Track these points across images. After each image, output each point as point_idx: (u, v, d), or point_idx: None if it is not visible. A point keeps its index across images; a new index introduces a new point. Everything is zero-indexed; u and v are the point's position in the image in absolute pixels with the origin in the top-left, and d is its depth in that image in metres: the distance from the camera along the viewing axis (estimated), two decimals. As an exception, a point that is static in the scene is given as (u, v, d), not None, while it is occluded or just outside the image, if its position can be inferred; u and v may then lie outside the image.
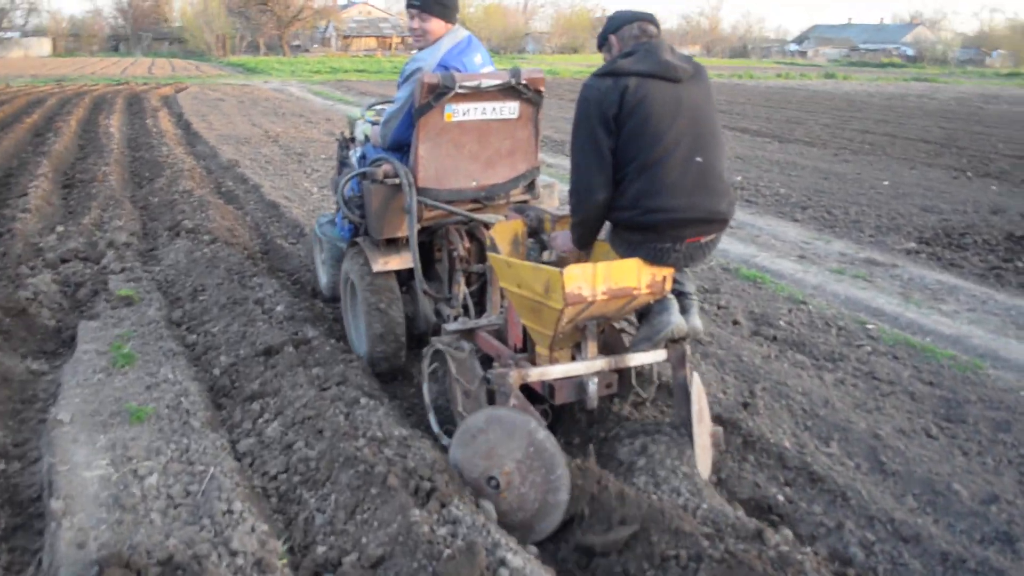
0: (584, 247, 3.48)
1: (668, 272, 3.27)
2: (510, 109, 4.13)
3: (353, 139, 5.22)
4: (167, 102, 21.57)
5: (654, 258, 3.20)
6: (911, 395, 4.44)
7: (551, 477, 3.00)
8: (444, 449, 3.47)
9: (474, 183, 4.23)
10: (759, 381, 4.47)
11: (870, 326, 5.54)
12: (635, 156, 3.15)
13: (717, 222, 3.27)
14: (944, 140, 15.84)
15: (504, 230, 3.74)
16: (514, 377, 3.21)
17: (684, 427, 3.46)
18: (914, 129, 17.78)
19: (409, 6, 4.25)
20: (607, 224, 3.38)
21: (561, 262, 3.47)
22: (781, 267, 7.06)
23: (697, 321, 3.60)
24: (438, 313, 4.40)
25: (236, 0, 74.29)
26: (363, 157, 4.69)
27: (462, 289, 4.37)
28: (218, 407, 4.20)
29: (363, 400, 3.81)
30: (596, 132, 3.15)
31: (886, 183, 10.92)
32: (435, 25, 4.21)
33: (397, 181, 4.07)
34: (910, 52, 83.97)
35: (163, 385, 4.19)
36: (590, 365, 3.38)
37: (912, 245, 7.80)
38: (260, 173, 10.60)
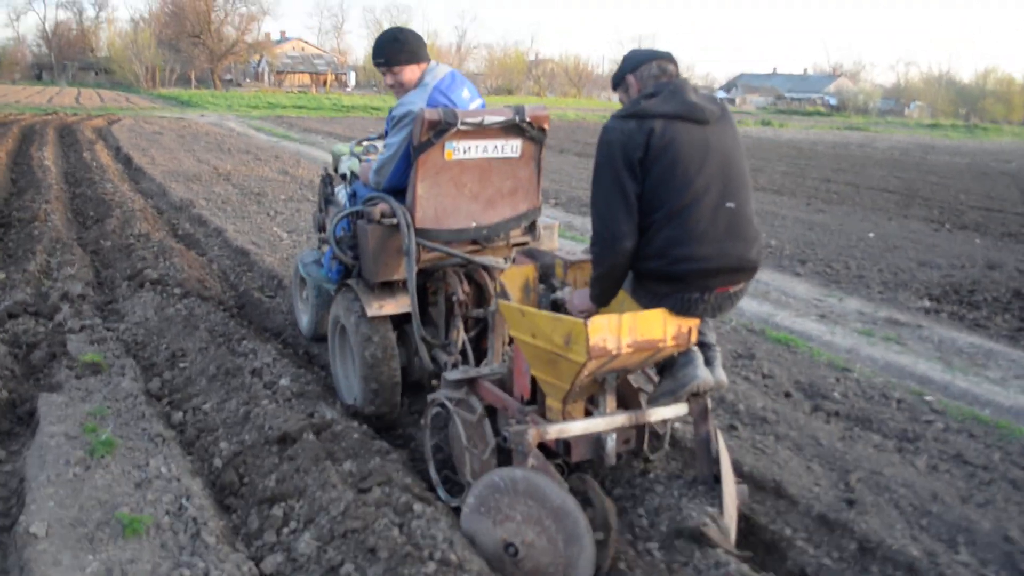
0: (604, 304, 3.25)
1: (694, 323, 3.11)
2: (512, 147, 3.97)
3: (339, 175, 5.06)
4: (102, 134, 20.41)
5: (681, 309, 3.04)
6: (1013, 483, 3.94)
7: (574, 545, 2.81)
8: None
9: (474, 223, 4.04)
10: (850, 469, 3.92)
11: (928, 397, 5.07)
12: (663, 203, 2.98)
13: (747, 270, 3.11)
14: (905, 191, 15.84)
15: (515, 276, 3.56)
16: (533, 435, 3.04)
17: (705, 484, 3.36)
18: (872, 179, 17.81)
19: (377, 65, 4.20)
20: (631, 279, 3.20)
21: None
22: (806, 328, 6.59)
23: (722, 374, 3.40)
24: (434, 360, 4.15)
25: (167, 32, 72.64)
26: (354, 195, 4.48)
27: (461, 335, 4.13)
28: (225, 508, 3.46)
29: (417, 507, 3.13)
30: (621, 177, 2.98)
31: (871, 235, 10.66)
32: (409, 73, 4.12)
33: (394, 221, 3.87)
34: (833, 102, 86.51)
35: (156, 482, 3.44)
36: (610, 421, 3.22)
37: (926, 303, 7.45)
38: (219, 215, 9.77)
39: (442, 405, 3.60)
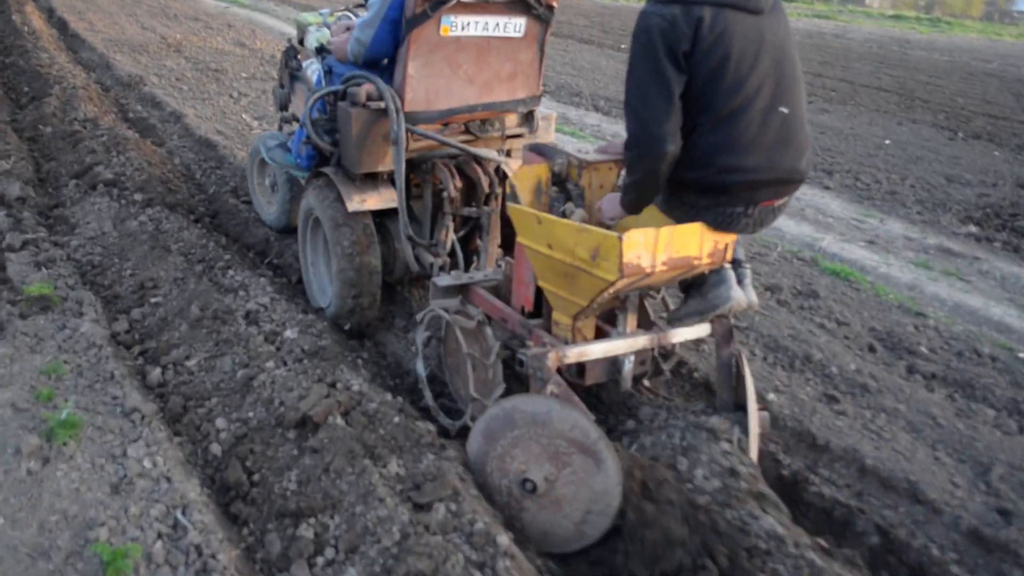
0: (637, 212, 2.89)
1: (731, 239, 2.84)
2: (516, 26, 3.66)
3: (305, 47, 4.60)
4: (31, -7, 18.42)
5: (721, 224, 2.76)
6: None
7: (597, 510, 2.54)
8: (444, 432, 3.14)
9: (467, 106, 3.73)
10: (984, 462, 3.26)
11: (1021, 354, 4.43)
12: (709, 105, 2.62)
13: (795, 182, 2.80)
14: (900, 90, 15.05)
15: (526, 176, 3.12)
16: (552, 359, 2.77)
17: (727, 410, 3.10)
18: (862, 75, 16.95)
19: None
20: (662, 187, 2.82)
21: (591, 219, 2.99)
22: (857, 257, 5.87)
23: (753, 294, 3.12)
24: (419, 260, 3.81)
25: None
26: (329, 72, 4.05)
27: (450, 236, 3.82)
28: (232, 518, 2.66)
29: (501, 539, 2.36)
30: (663, 69, 2.58)
31: (888, 142, 9.90)
32: None
33: (381, 105, 3.52)
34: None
35: (139, 483, 2.63)
36: (631, 343, 2.99)
37: (972, 229, 6.78)
38: (176, 95, 8.56)
39: (436, 317, 3.31)
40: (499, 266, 3.66)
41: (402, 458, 2.70)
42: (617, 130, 9.43)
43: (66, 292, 3.88)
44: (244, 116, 7.89)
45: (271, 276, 4.41)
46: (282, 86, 4.97)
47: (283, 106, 4.95)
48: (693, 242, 2.73)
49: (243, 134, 7.25)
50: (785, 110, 2.68)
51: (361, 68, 3.72)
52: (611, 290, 2.67)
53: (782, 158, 2.70)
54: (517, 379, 3.16)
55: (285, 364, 3.24)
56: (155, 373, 3.38)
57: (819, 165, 8.41)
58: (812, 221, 6.64)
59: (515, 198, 3.09)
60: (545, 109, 4.21)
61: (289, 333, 3.45)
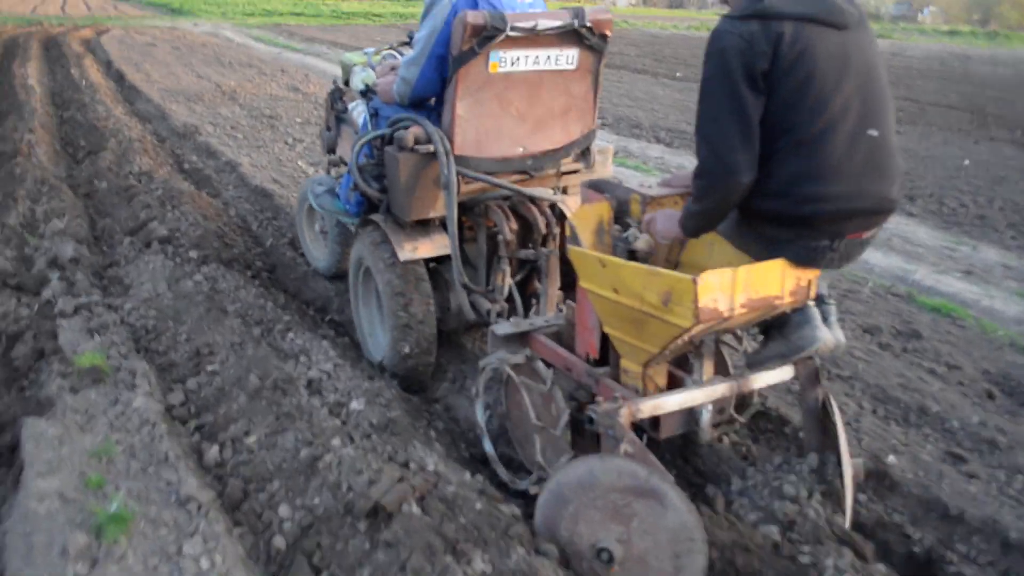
0: (696, 236, 2.68)
1: (815, 275, 2.62)
2: (568, 58, 3.47)
3: (350, 88, 4.53)
4: (90, 47, 18.72)
5: (804, 259, 2.54)
6: None
7: (684, 550, 2.32)
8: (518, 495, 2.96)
9: (520, 149, 3.56)
10: None
11: None
12: (790, 128, 2.41)
13: (885, 212, 2.55)
14: (969, 107, 14.47)
15: (586, 216, 2.92)
16: (625, 415, 2.56)
17: (816, 457, 2.87)
18: (928, 93, 16.38)
19: None
20: (733, 219, 2.63)
21: (647, 253, 2.81)
22: (956, 290, 5.45)
23: (840, 333, 2.87)
24: (475, 307, 3.70)
25: (153, -66, 69.15)
26: (375, 114, 3.88)
27: (507, 280, 3.66)
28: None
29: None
30: (740, 92, 2.37)
31: (967, 162, 9.40)
32: None
33: (430, 148, 3.37)
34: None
35: (198, 590, 2.33)
36: (709, 391, 2.76)
37: (1076, 255, 6.29)
38: (230, 143, 8.48)
39: (498, 371, 3.11)
40: (560, 310, 3.46)
41: (487, 552, 2.38)
42: (681, 162, 9.10)
43: (119, 361, 3.66)
44: (300, 163, 7.74)
45: (332, 336, 4.16)
46: (328, 128, 4.86)
47: (330, 149, 4.84)
48: (774, 281, 2.51)
49: (299, 182, 7.09)
50: (874, 133, 2.46)
51: (408, 109, 3.57)
52: (685, 337, 2.48)
53: (871, 185, 2.46)
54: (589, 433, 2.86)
55: (352, 441, 2.96)
56: (212, 451, 3.12)
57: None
58: (900, 251, 6.21)
59: (575, 240, 2.89)
60: (602, 142, 4.00)
61: (355, 404, 3.16)
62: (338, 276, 4.86)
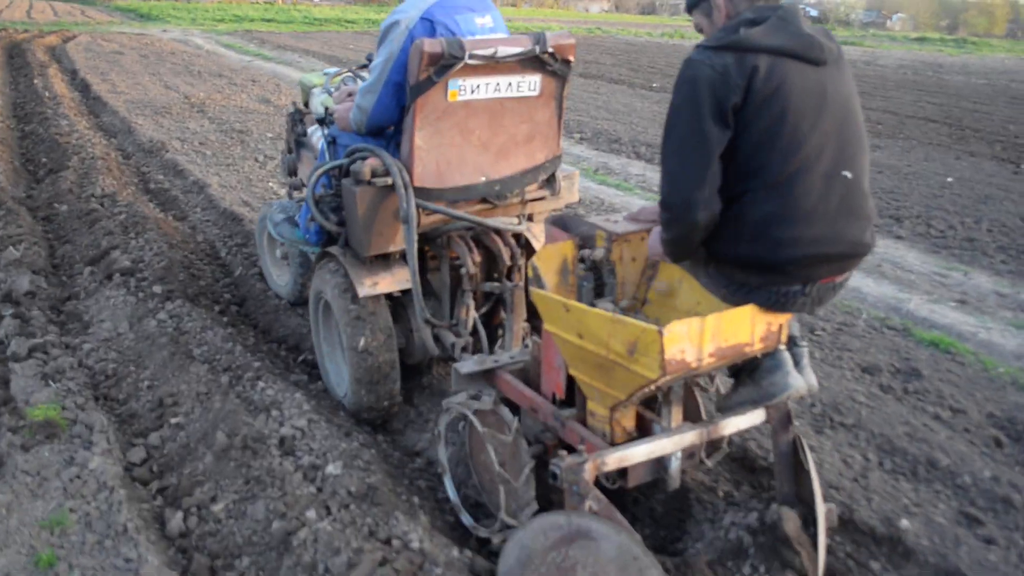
0: (678, 262, 2.63)
1: (785, 320, 2.55)
2: (530, 84, 3.39)
3: (309, 111, 4.42)
4: (56, 55, 18.26)
5: (775, 304, 2.46)
6: None
7: (635, 570, 2.22)
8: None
9: (483, 178, 3.46)
10: None
11: None
12: (763, 168, 2.32)
13: (859, 256, 2.49)
14: (946, 119, 14.45)
15: (550, 256, 2.79)
16: (590, 470, 2.46)
17: (787, 504, 2.79)
18: (904, 105, 16.36)
19: None
20: (702, 258, 2.55)
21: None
22: (951, 321, 5.28)
23: (812, 376, 2.77)
24: (438, 341, 3.56)
25: (122, -63, 68.25)
26: (333, 142, 3.77)
27: (471, 314, 3.57)
28: None
29: None
30: (705, 126, 2.29)
31: (950, 180, 9.30)
32: None
33: (388, 181, 3.25)
34: (814, 13, 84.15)
35: None
36: (678, 440, 2.66)
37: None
38: (198, 161, 8.17)
39: (462, 416, 3.03)
40: (526, 345, 3.32)
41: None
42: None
43: (75, 413, 3.39)
44: (271, 183, 7.46)
45: (305, 383, 3.91)
46: (289, 151, 4.75)
47: (291, 172, 4.71)
48: (744, 328, 2.43)
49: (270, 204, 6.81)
50: (849, 175, 2.38)
51: (366, 137, 3.48)
52: (651, 386, 2.40)
53: (846, 229, 2.38)
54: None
55: (329, 512, 2.71)
56: (176, 520, 2.86)
57: (885, 211, 7.83)
58: (892, 278, 6.06)
59: (539, 281, 2.73)
60: (568, 167, 3.89)
61: (332, 468, 2.92)
62: (304, 304, 4.67)
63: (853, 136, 2.41)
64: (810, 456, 2.78)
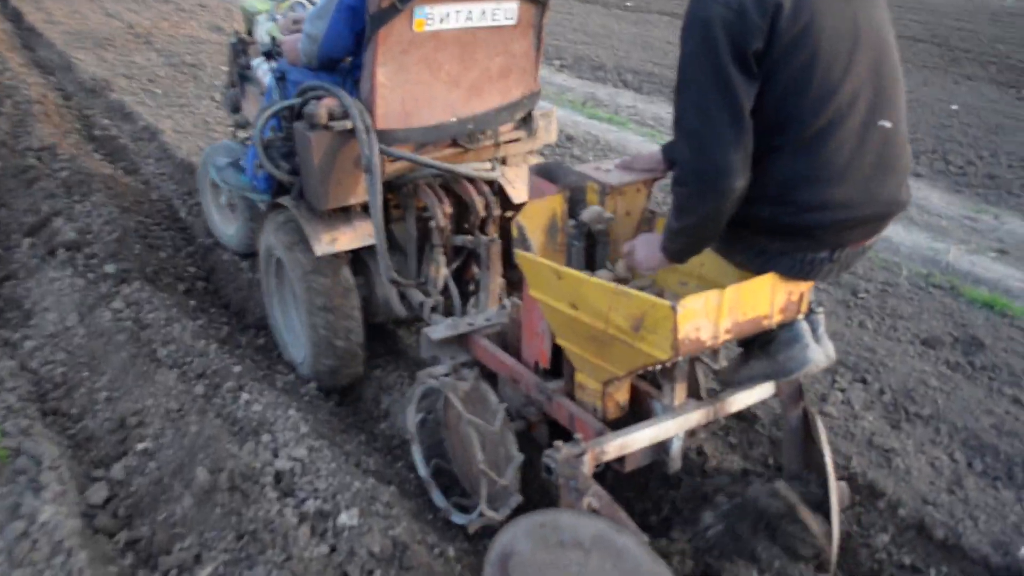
0: (683, 261, 2.24)
1: (807, 288, 2.25)
2: (506, 12, 3.08)
3: (254, 40, 3.98)
4: (-19, -22, 16.92)
5: (798, 272, 2.15)
6: None
7: None
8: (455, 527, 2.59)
9: (454, 118, 3.17)
10: None
11: None
12: (789, 121, 1.97)
13: (892, 215, 2.15)
14: (934, 39, 13.93)
15: (536, 213, 2.44)
16: (588, 462, 2.16)
17: (797, 481, 2.52)
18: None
19: None
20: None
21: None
22: (997, 275, 4.83)
23: (831, 347, 2.46)
24: (404, 298, 3.31)
25: None
26: (282, 79, 3.33)
27: (442, 271, 3.28)
28: None
29: None
30: (730, 76, 1.89)
31: (955, 107, 8.80)
32: None
33: (347, 125, 2.93)
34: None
35: None
36: (684, 421, 2.39)
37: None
38: (148, 103, 7.36)
39: (435, 393, 2.77)
40: (504, 307, 3.04)
41: None
42: (656, 111, 8.30)
43: (18, 440, 2.78)
44: (230, 127, 6.70)
45: (294, 385, 3.33)
46: (232, 85, 4.31)
47: (234, 108, 4.30)
48: (763, 299, 2.17)
49: (233, 152, 6.08)
50: (888, 124, 2.05)
51: (319, 73, 3.14)
52: (657, 365, 2.22)
53: (881, 188, 2.07)
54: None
55: (329, 565, 2.17)
56: (155, 591, 2.31)
57: (897, 144, 7.33)
58: (922, 225, 5.58)
59: (524, 242, 2.41)
60: (546, 103, 3.56)
61: (345, 518, 2.36)
62: (252, 254, 4.23)
63: (890, 76, 2.06)
64: (822, 430, 2.54)
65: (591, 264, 2.46)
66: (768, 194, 2.06)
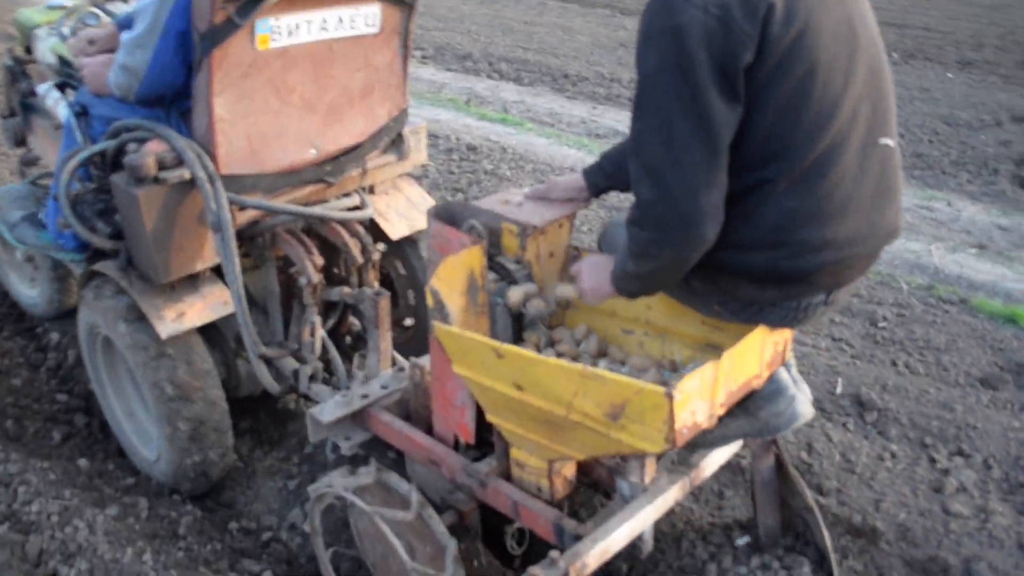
0: (635, 298, 1.98)
1: (789, 335, 2.06)
2: (367, 18, 2.64)
3: (36, 59, 3.37)
4: None
5: (789, 320, 1.91)
6: None
7: None
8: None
9: (313, 151, 2.69)
10: None
11: None
12: (782, 151, 1.69)
13: (887, 245, 1.92)
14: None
15: (452, 273, 2.01)
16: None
17: (773, 538, 2.45)
18: None
19: None
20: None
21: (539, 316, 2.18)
22: (989, 277, 4.54)
23: (807, 389, 2.18)
24: (275, 369, 2.75)
25: None
26: (84, 113, 2.75)
27: (318, 333, 2.75)
28: None
29: None
30: (706, 101, 1.61)
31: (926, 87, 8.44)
32: None
33: (184, 175, 2.41)
34: None
35: None
36: (660, 503, 2.10)
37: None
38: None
39: (339, 499, 2.33)
40: (401, 368, 2.63)
41: None
42: (547, 105, 7.56)
43: None
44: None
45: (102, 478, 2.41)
46: (13, 113, 3.57)
47: (18, 141, 3.60)
48: (753, 358, 1.97)
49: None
50: (890, 143, 1.83)
51: (133, 106, 2.58)
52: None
53: (882, 217, 1.83)
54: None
55: None
56: None
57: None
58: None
59: (442, 311, 2.00)
60: (415, 119, 3.13)
61: None
62: (69, 316, 3.55)
63: (885, 86, 1.82)
64: (795, 471, 2.45)
65: (519, 325, 2.17)
66: (758, 238, 1.77)
